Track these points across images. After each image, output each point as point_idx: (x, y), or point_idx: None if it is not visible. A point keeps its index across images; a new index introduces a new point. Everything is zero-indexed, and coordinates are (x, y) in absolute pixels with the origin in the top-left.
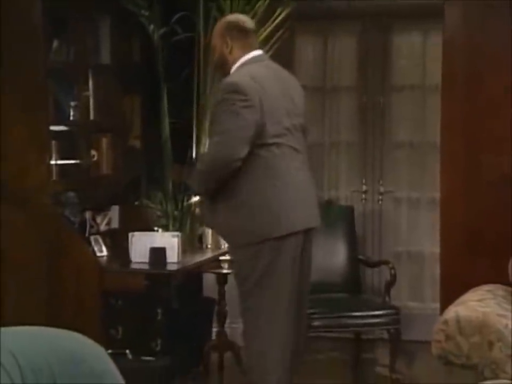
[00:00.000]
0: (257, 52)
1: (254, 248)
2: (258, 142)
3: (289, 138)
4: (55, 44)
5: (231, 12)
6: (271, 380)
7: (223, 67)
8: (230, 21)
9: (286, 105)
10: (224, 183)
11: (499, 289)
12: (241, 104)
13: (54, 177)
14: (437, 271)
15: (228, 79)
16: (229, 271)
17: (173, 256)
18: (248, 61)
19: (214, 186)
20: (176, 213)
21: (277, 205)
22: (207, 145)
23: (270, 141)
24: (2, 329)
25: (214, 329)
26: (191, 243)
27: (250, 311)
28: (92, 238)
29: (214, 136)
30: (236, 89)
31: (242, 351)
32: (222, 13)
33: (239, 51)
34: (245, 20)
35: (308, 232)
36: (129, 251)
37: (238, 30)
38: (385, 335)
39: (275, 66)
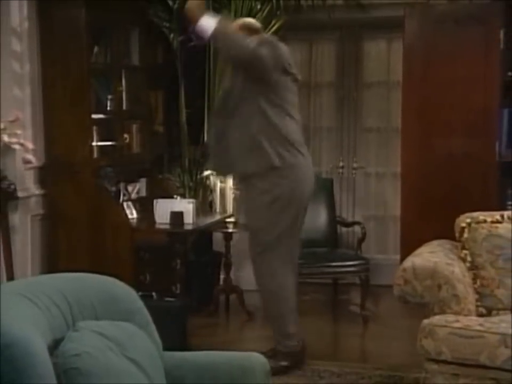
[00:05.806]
0: None
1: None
2: (285, 98)
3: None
4: (96, 49)
5: None
6: (288, 319)
7: None
8: (242, 23)
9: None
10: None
11: (447, 243)
12: (277, 52)
13: (95, 155)
14: (398, 229)
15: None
16: (233, 230)
17: (188, 218)
18: None
19: (228, 54)
20: (191, 184)
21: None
22: None
23: (291, 99)
24: (57, 274)
25: (222, 277)
26: (203, 208)
27: (267, 252)
28: (124, 203)
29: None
30: (273, 41)
31: (244, 294)
32: None
33: None
34: (253, 21)
35: None
36: (154, 214)
37: (248, 29)
38: (357, 281)
39: None
